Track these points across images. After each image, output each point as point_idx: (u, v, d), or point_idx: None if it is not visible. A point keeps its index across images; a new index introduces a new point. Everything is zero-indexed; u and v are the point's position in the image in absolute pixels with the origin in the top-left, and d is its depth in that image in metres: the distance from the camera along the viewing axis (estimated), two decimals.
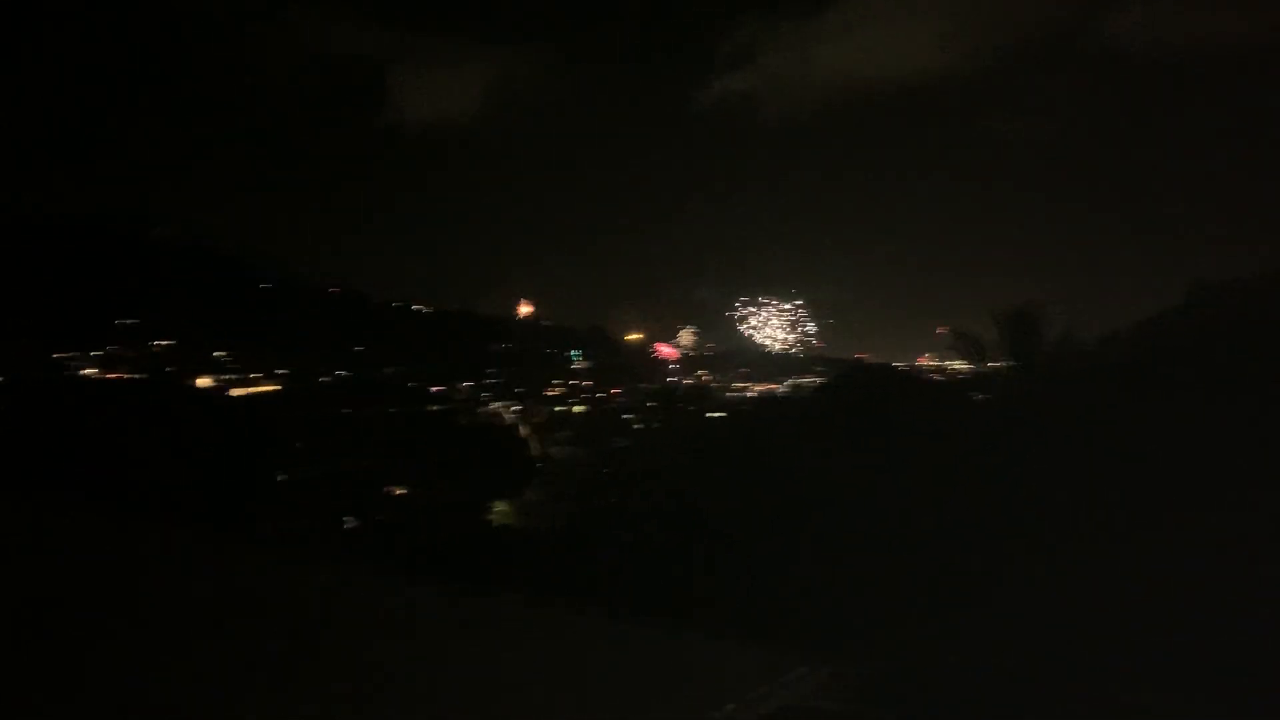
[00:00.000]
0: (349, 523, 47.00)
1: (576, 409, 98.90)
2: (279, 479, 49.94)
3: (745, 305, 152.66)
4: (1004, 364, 23.12)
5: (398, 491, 54.55)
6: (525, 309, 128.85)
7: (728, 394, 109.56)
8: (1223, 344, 20.68)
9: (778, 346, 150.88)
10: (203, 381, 79.64)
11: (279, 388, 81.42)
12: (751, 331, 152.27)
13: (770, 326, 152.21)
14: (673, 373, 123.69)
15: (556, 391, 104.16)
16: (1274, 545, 14.55)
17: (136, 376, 73.59)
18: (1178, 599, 14.13)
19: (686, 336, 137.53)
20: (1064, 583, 15.83)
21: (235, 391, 78.48)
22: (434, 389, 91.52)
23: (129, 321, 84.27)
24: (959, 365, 40.32)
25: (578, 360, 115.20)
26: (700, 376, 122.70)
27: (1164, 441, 17.29)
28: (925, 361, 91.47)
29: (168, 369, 79.05)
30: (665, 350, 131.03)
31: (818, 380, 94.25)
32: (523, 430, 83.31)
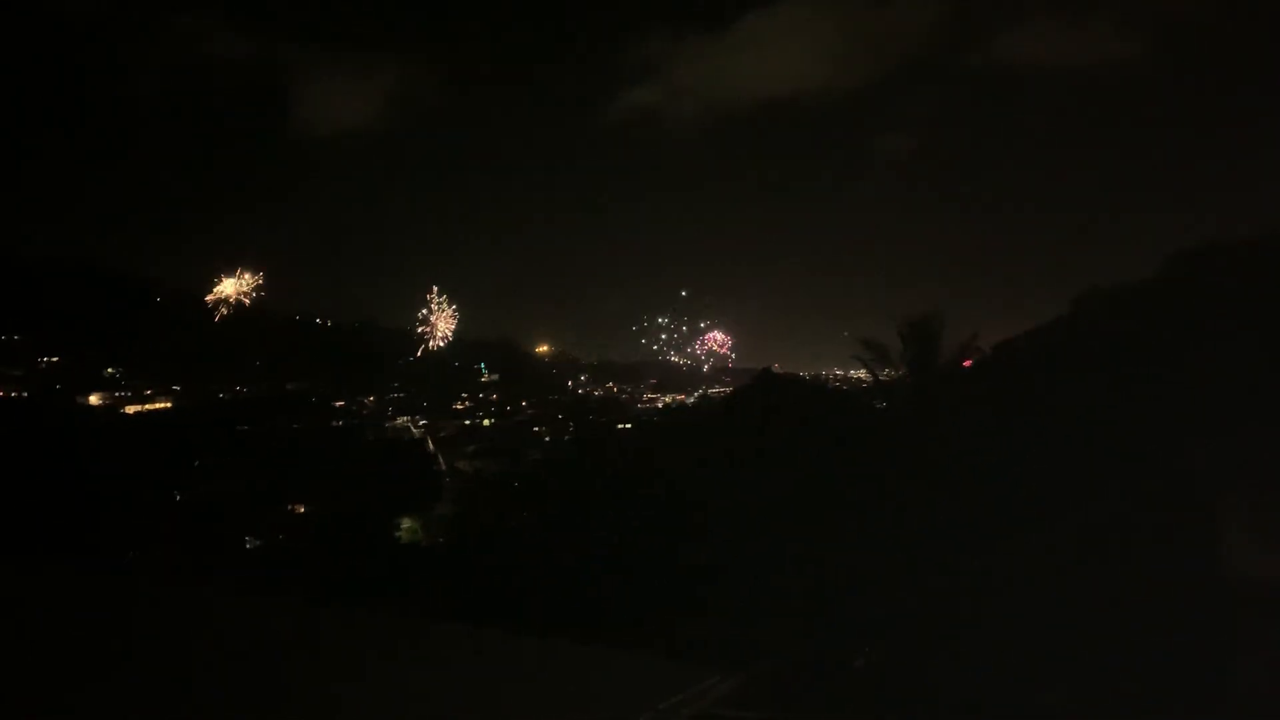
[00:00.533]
0: (251, 542, 45.70)
1: (485, 422, 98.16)
2: (176, 498, 48.46)
3: (655, 317, 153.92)
4: (903, 372, 23.82)
5: (301, 509, 53.25)
6: (433, 323, 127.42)
7: (638, 405, 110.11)
8: (1109, 349, 21.61)
9: (687, 359, 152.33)
10: (94, 399, 77.13)
11: (174, 404, 79.31)
12: (661, 343, 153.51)
13: (679, 338, 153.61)
14: (583, 384, 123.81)
15: (465, 405, 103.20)
16: (1174, 544, 15.16)
17: (20, 395, 70.85)
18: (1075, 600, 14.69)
19: (596, 349, 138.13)
20: (966, 585, 16.31)
21: (129, 409, 76.18)
22: (337, 404, 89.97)
23: (13, 338, 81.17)
24: (862, 374, 41.25)
25: (486, 373, 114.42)
26: (610, 388, 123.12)
27: (1054, 443, 18.00)
28: (830, 372, 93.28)
29: (56, 387, 76.33)
30: (576, 362, 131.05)
31: (725, 391, 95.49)
32: (430, 445, 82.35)
